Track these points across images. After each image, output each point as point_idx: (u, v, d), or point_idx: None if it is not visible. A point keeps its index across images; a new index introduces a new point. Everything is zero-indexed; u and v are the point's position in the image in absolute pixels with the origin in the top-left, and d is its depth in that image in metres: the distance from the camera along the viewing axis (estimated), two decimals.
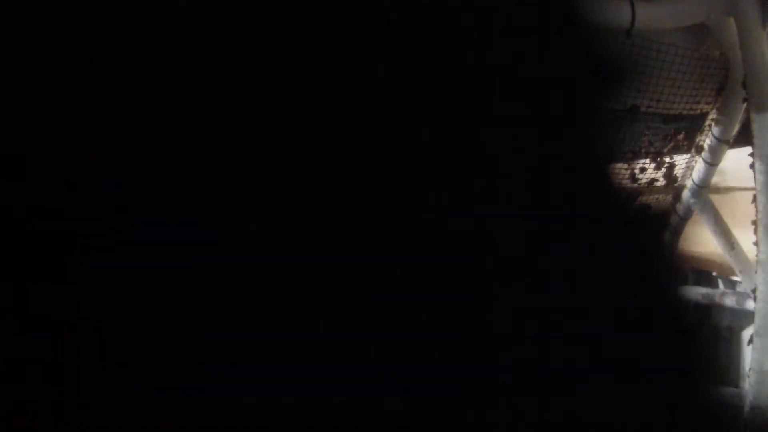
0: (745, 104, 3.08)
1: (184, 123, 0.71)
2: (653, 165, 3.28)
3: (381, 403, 0.72)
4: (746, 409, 3.13)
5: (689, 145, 3.41)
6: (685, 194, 3.60)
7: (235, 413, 0.69)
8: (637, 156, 3.18)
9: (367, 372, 0.72)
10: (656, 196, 3.45)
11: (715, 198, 3.62)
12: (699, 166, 3.49)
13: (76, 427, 0.68)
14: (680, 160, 3.44)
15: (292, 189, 0.72)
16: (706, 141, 3.41)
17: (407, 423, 0.72)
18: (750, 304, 3.49)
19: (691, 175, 3.54)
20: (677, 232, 3.66)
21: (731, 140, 3.36)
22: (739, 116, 3.24)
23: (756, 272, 3.12)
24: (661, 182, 3.40)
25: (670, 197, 3.58)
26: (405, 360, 0.73)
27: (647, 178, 3.28)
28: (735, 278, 3.88)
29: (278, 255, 0.71)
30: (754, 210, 3.05)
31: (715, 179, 3.54)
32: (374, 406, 0.72)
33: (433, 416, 0.73)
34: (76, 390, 0.68)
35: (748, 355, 3.24)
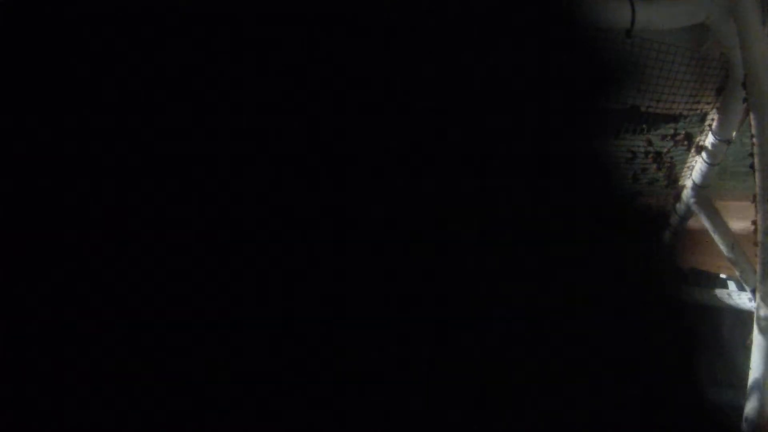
0: (745, 104, 3.08)
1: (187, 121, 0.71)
2: (653, 165, 3.29)
3: (378, 401, 0.73)
4: (746, 409, 3.14)
5: (689, 145, 3.42)
6: (685, 194, 3.60)
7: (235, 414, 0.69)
8: (637, 156, 3.18)
9: (365, 371, 0.72)
10: (656, 196, 3.45)
11: None
12: (699, 166, 3.49)
13: (76, 427, 0.68)
14: (680, 160, 3.44)
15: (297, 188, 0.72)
16: (706, 141, 3.41)
17: (405, 421, 0.72)
18: (750, 305, 3.49)
19: (691, 175, 3.55)
20: (677, 232, 3.67)
21: (731, 140, 3.37)
22: (739, 116, 3.24)
23: (756, 272, 3.12)
24: (661, 182, 3.40)
25: (670, 197, 3.58)
26: (402, 358, 0.73)
27: (647, 178, 3.29)
28: (736, 278, 3.88)
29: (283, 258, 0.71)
30: None
31: None
32: (371, 403, 0.72)
33: (428, 414, 0.73)
34: (76, 390, 0.68)
35: (748, 356, 3.24)
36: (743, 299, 3.75)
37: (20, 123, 0.69)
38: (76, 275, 0.68)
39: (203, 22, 0.71)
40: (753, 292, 3.30)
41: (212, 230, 0.71)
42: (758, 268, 3.09)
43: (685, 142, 3.38)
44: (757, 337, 3.16)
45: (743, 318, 3.77)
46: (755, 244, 3.10)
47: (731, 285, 4.10)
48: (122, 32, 0.70)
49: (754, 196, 3.06)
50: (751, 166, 3.04)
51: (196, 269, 0.71)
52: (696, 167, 3.51)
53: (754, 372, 3.14)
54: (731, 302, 3.84)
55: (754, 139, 2.98)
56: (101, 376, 0.68)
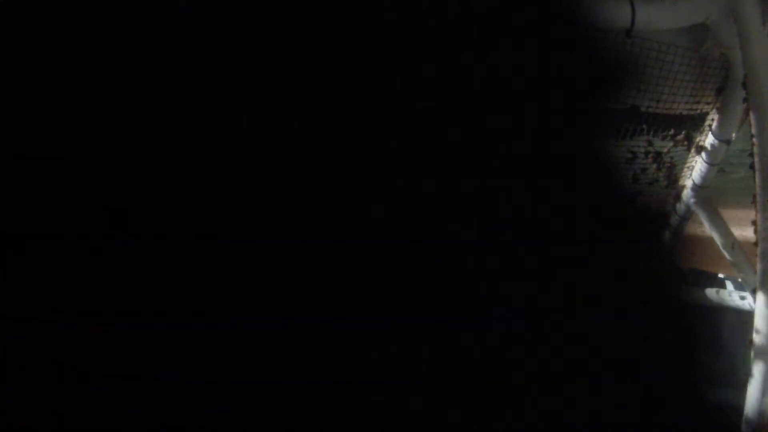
0: (745, 104, 3.08)
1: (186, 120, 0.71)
2: (653, 165, 3.29)
3: (378, 401, 0.73)
4: (746, 409, 3.13)
5: (689, 145, 3.42)
6: (685, 194, 3.61)
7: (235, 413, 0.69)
8: (637, 156, 3.18)
9: (363, 372, 0.72)
10: (656, 196, 3.45)
11: None
12: (699, 166, 3.49)
13: (76, 427, 0.68)
14: (680, 160, 3.44)
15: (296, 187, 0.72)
16: (706, 141, 3.41)
17: (404, 421, 0.72)
18: (750, 305, 3.49)
19: (691, 175, 3.55)
20: (677, 232, 3.67)
21: (731, 140, 3.37)
22: (739, 116, 3.24)
23: (756, 272, 3.12)
24: (661, 182, 3.40)
25: (670, 197, 3.59)
26: (401, 358, 0.73)
27: (647, 178, 3.29)
28: (737, 278, 3.88)
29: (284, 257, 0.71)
30: None
31: None
32: (371, 403, 0.72)
33: (428, 414, 0.73)
34: (76, 390, 0.68)
35: (748, 356, 3.24)
36: (742, 299, 3.74)
37: (20, 123, 0.69)
38: (76, 275, 0.68)
39: (203, 23, 0.71)
40: (753, 292, 3.30)
41: (212, 230, 0.71)
42: (758, 268, 3.09)
43: (685, 142, 3.38)
44: (757, 337, 3.15)
45: (743, 318, 3.77)
46: (755, 244, 3.09)
47: (729, 285, 4.09)
48: (122, 32, 0.70)
49: (754, 196, 3.05)
50: (751, 166, 3.04)
51: (195, 269, 0.70)
52: (696, 167, 3.51)
53: (754, 372, 3.13)
54: (730, 302, 3.84)
55: (754, 139, 2.98)
56: (101, 376, 0.68)
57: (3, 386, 0.67)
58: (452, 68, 0.78)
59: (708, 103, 3.27)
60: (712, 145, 3.39)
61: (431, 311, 0.75)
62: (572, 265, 0.81)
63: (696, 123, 3.33)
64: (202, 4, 0.71)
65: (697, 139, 3.42)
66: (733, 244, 3.58)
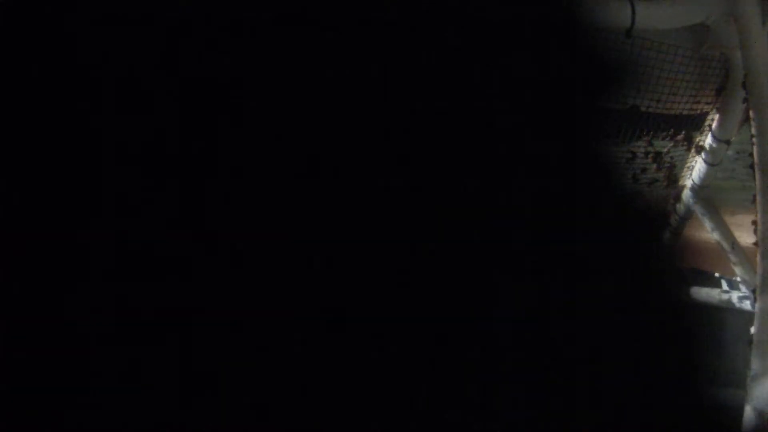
0: (745, 104, 3.09)
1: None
2: (653, 165, 3.29)
3: (378, 401, 0.73)
4: (746, 410, 3.13)
5: (689, 145, 3.42)
6: (685, 194, 3.61)
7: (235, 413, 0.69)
8: (637, 156, 3.18)
9: (362, 369, 0.72)
10: (656, 196, 3.45)
11: None
12: (699, 166, 3.49)
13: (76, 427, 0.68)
14: (680, 160, 3.44)
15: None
16: (706, 141, 3.41)
17: (403, 420, 0.72)
18: (750, 305, 3.49)
19: (691, 175, 3.55)
20: (677, 232, 3.67)
21: (731, 140, 3.37)
22: (739, 116, 3.24)
23: (756, 272, 3.12)
24: (661, 182, 3.40)
25: (670, 197, 3.59)
26: (402, 357, 0.73)
27: (647, 178, 3.29)
28: (736, 278, 3.88)
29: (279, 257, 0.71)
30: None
31: None
32: (371, 403, 0.72)
33: (427, 414, 0.73)
34: (76, 390, 0.68)
35: (749, 356, 3.24)
36: (742, 299, 3.74)
37: (20, 123, 0.69)
38: (76, 275, 0.68)
39: (203, 24, 0.71)
40: (753, 292, 3.30)
41: (212, 231, 0.71)
42: (759, 268, 3.09)
43: (685, 143, 3.38)
44: (756, 336, 3.15)
45: (743, 318, 3.77)
46: (755, 244, 3.10)
47: (728, 285, 4.09)
48: (123, 33, 0.70)
49: (754, 196, 3.06)
50: (751, 166, 3.04)
51: (194, 270, 0.71)
52: (696, 167, 3.52)
53: (754, 372, 3.13)
54: (730, 302, 3.84)
55: (754, 139, 2.98)
56: (101, 376, 0.68)
57: (3, 386, 0.67)
58: (450, 68, 0.78)
59: (708, 103, 3.27)
60: (712, 146, 3.39)
61: (431, 311, 0.75)
62: (572, 266, 0.81)
63: (696, 123, 3.33)
64: (202, 6, 0.71)
65: (697, 139, 3.42)
66: (733, 243, 3.58)
